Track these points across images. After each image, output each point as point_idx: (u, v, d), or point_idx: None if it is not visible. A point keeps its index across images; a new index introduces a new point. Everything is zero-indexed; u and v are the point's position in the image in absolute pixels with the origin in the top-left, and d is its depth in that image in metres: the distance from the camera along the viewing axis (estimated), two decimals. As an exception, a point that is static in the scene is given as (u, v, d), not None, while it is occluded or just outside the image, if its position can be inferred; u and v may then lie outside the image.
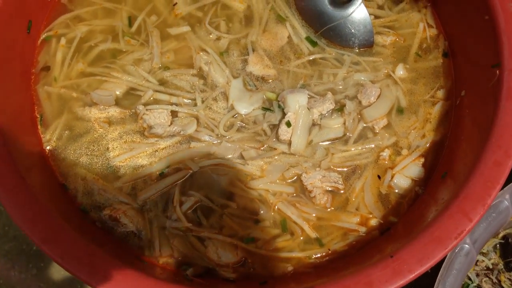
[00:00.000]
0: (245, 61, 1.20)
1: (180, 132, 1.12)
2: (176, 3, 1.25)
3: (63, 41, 1.20)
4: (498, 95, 0.99)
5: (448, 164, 1.08)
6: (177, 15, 1.24)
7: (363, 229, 1.07)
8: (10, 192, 0.92)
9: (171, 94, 1.16)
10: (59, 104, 1.15)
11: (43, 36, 1.20)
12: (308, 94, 1.15)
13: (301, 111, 1.12)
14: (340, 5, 1.21)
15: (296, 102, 1.13)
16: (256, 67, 1.19)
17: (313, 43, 1.22)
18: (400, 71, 1.20)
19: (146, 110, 1.13)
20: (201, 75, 1.19)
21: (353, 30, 1.21)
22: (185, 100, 1.16)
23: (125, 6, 1.24)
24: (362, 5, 1.19)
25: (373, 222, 1.08)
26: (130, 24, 1.23)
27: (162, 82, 1.18)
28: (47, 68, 1.18)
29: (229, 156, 1.11)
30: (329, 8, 1.22)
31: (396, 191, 1.10)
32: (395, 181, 1.10)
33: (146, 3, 1.25)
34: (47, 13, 1.22)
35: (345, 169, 1.12)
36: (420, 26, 1.24)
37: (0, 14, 1.06)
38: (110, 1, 1.25)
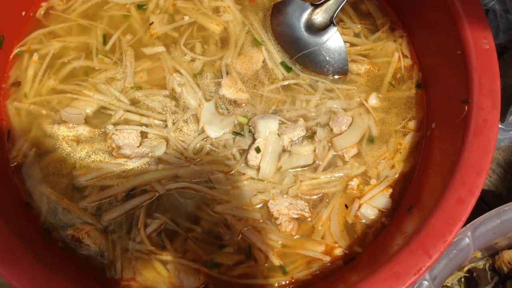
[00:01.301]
0: (219, 84, 1.20)
1: (148, 153, 1.12)
2: (153, 22, 1.24)
3: (35, 56, 1.19)
4: (465, 131, 1.00)
5: (415, 196, 1.08)
6: (153, 34, 1.24)
7: (327, 258, 1.06)
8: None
9: (142, 115, 1.16)
10: (28, 121, 1.14)
11: (15, 51, 1.20)
12: (280, 120, 1.15)
13: (271, 137, 1.12)
14: (316, 32, 1.22)
15: (267, 128, 1.13)
16: (229, 90, 1.19)
17: (288, 69, 1.22)
18: (373, 100, 1.20)
19: (116, 130, 1.12)
20: (174, 96, 1.18)
21: (327, 58, 1.21)
22: (156, 121, 1.16)
23: (101, 24, 1.24)
24: (338, 33, 1.20)
25: (338, 251, 1.07)
26: (105, 42, 1.22)
27: (133, 102, 1.17)
28: (17, 84, 1.17)
29: (197, 180, 1.11)
30: (304, 34, 1.22)
31: (363, 221, 1.10)
32: (362, 211, 1.10)
33: (122, 22, 1.25)
34: (21, 28, 1.22)
35: (313, 196, 1.12)
36: (395, 56, 1.25)
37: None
38: (85, 18, 1.25)
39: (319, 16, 1.21)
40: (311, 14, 1.22)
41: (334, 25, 1.20)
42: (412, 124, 1.19)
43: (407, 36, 1.27)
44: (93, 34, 1.23)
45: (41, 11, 1.24)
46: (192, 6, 1.27)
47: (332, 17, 1.20)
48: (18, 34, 1.21)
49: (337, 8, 1.19)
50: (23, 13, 1.21)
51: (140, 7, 1.26)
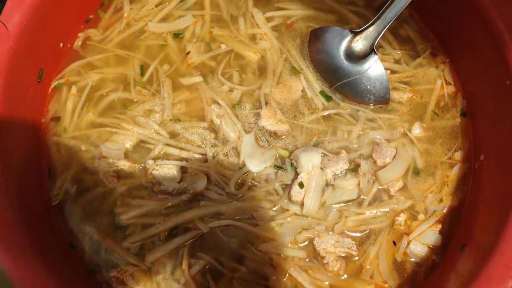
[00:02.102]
0: (258, 115, 1.17)
1: (189, 189, 1.10)
2: (189, 52, 1.22)
3: (74, 89, 1.18)
4: (520, 167, 0.96)
5: (466, 233, 1.05)
6: (190, 64, 1.22)
7: (376, 299, 1.04)
8: (14, 256, 0.90)
9: (181, 149, 1.14)
10: (68, 156, 1.13)
11: (54, 84, 1.18)
12: (322, 153, 1.12)
13: (315, 171, 1.09)
14: (356, 60, 1.19)
15: (310, 162, 1.10)
16: (269, 121, 1.17)
17: (328, 98, 1.20)
18: (417, 130, 1.17)
19: (156, 165, 1.10)
20: (213, 128, 1.16)
21: (369, 86, 1.18)
22: (196, 155, 1.14)
23: (138, 54, 1.22)
24: (379, 61, 1.17)
25: (388, 291, 1.04)
26: (142, 73, 1.20)
27: (172, 135, 1.15)
28: (57, 119, 1.16)
29: (240, 217, 1.09)
30: (345, 63, 1.19)
31: (412, 259, 1.07)
32: (411, 248, 1.07)
33: (159, 52, 1.23)
34: (59, 60, 1.20)
35: (359, 234, 1.09)
36: (438, 83, 1.21)
37: (11, 64, 1.03)
38: (122, 48, 1.23)
39: (359, 44, 1.18)
40: (350, 41, 1.19)
41: (375, 53, 1.16)
42: (458, 155, 1.15)
43: (449, 62, 1.24)
44: (130, 65, 1.22)
45: (78, 42, 1.23)
46: (229, 33, 1.25)
47: (373, 44, 1.16)
48: (56, 66, 1.20)
49: (378, 36, 1.16)
50: (61, 45, 1.20)
51: (176, 36, 1.24)
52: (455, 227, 1.09)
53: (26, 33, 1.05)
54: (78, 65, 1.21)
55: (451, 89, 1.22)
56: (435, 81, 1.22)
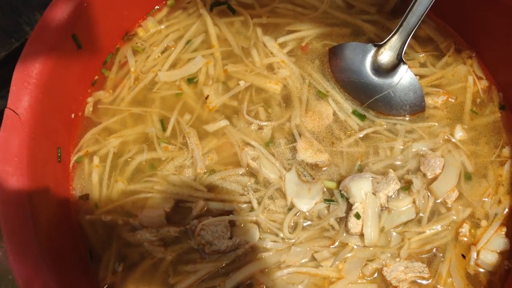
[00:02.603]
0: (294, 149, 1.11)
1: (243, 243, 1.03)
2: (208, 95, 1.15)
3: (96, 160, 1.10)
4: None
5: (535, 233, 1.01)
6: (211, 109, 1.15)
7: (459, 319, 1.00)
8: None
9: (223, 201, 1.07)
10: (106, 233, 1.06)
11: (73, 159, 1.10)
12: (371, 176, 1.07)
13: (369, 199, 1.04)
14: (385, 74, 1.13)
15: (361, 189, 1.05)
16: (307, 153, 1.11)
17: (362, 117, 1.14)
18: (459, 133, 1.13)
19: (202, 225, 1.04)
20: (251, 173, 1.10)
21: (402, 98, 1.13)
22: (240, 205, 1.07)
23: (154, 108, 1.15)
24: (409, 70, 1.12)
25: (468, 309, 1.00)
26: (164, 128, 1.13)
27: (211, 188, 1.09)
28: (85, 196, 1.08)
29: (301, 261, 1.03)
30: (374, 78, 1.14)
31: (484, 269, 1.03)
32: (482, 258, 1.03)
33: (176, 101, 1.16)
34: (73, 132, 1.12)
35: (426, 254, 1.04)
36: (470, 80, 1.17)
37: (30, 150, 0.95)
38: (137, 105, 1.15)
39: (385, 56, 1.13)
40: (375, 55, 1.13)
41: (404, 62, 1.11)
42: (506, 151, 1.11)
43: (476, 55, 1.19)
44: (149, 122, 1.14)
45: (89, 108, 1.15)
46: (244, 68, 1.18)
47: (399, 54, 1.11)
48: (72, 139, 1.12)
49: (404, 44, 1.11)
50: (73, 115, 1.12)
51: (190, 81, 1.17)
52: (522, 227, 1.05)
53: (37, 115, 0.98)
54: (94, 133, 1.13)
55: (484, 83, 1.17)
56: (466, 78, 1.17)
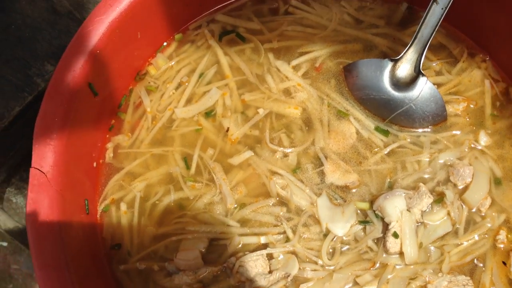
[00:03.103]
0: (322, 173, 1.10)
1: (283, 275, 1.02)
2: (228, 128, 1.14)
3: (123, 207, 1.08)
4: None
5: None
6: (234, 141, 1.13)
7: (509, 328, 0.99)
8: None
9: (258, 234, 1.06)
10: (143, 282, 1.03)
11: (100, 208, 1.08)
12: (403, 193, 1.06)
13: (404, 217, 1.03)
14: (405, 88, 1.13)
15: (395, 207, 1.04)
16: (335, 176, 1.10)
17: (385, 133, 1.13)
18: (483, 138, 1.12)
19: (239, 261, 1.02)
20: (282, 202, 1.08)
21: (424, 109, 1.12)
22: (276, 236, 1.06)
23: (176, 147, 1.13)
24: (429, 81, 1.11)
25: (517, 316, 1.00)
26: (188, 166, 1.11)
27: (243, 222, 1.07)
28: (117, 246, 1.05)
29: (345, 287, 1.02)
30: (394, 93, 1.13)
31: (527, 274, 1.03)
32: (522, 263, 1.03)
33: (196, 138, 1.14)
34: (97, 181, 1.10)
35: (466, 267, 1.03)
36: (487, 83, 1.17)
37: (60, 209, 0.93)
38: (157, 145, 1.13)
39: (403, 70, 1.12)
40: (393, 70, 1.13)
41: (422, 74, 1.11)
42: (533, 152, 1.11)
43: (490, 58, 1.19)
44: (172, 161, 1.12)
45: (109, 154, 1.12)
46: (261, 95, 1.17)
47: (417, 67, 1.11)
48: (97, 189, 1.09)
49: (421, 56, 1.10)
50: (94, 164, 1.09)
51: (208, 114, 1.15)
52: (559, 228, 1.05)
53: (62, 170, 0.95)
54: (117, 179, 1.10)
55: (501, 85, 1.17)
56: (483, 82, 1.17)
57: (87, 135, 1.06)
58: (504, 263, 1.04)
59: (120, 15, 1.03)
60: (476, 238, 1.06)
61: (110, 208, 1.08)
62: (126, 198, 1.09)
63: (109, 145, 1.13)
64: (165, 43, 1.22)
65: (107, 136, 1.14)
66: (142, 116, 1.16)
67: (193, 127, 1.14)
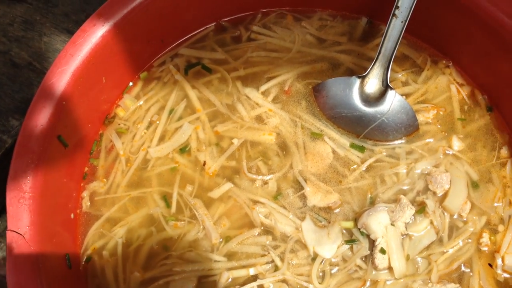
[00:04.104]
0: (304, 196, 1.10)
1: (277, 306, 1.01)
2: (205, 161, 1.13)
3: (106, 255, 1.05)
4: None
5: (553, 228, 1.04)
6: (211, 174, 1.12)
7: (502, 329, 1.01)
8: None
9: (246, 267, 1.05)
10: (135, 330, 1.01)
11: (83, 260, 1.05)
12: (385, 207, 1.07)
13: (389, 232, 1.04)
14: (375, 103, 1.14)
15: (379, 223, 1.04)
16: (317, 198, 1.10)
17: (361, 149, 1.14)
18: (456, 143, 1.14)
19: (231, 297, 1.01)
20: (267, 230, 1.08)
21: (396, 122, 1.13)
22: (264, 266, 1.05)
23: (153, 187, 1.11)
24: (397, 94, 1.12)
25: (508, 317, 1.02)
26: (168, 205, 1.10)
27: (230, 256, 1.06)
28: (104, 297, 1.03)
29: (338, 310, 1.02)
30: (365, 110, 1.14)
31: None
32: (507, 263, 1.04)
33: (173, 175, 1.12)
34: (77, 232, 1.07)
35: (454, 274, 1.05)
36: (452, 88, 1.19)
37: (38, 265, 0.90)
38: (134, 188, 1.11)
39: (371, 85, 1.13)
40: (361, 86, 1.14)
41: (391, 88, 1.12)
42: (504, 152, 1.14)
43: (452, 63, 1.22)
44: (151, 202, 1.10)
45: (86, 203, 1.10)
46: (234, 125, 1.16)
47: (385, 81, 1.12)
48: (77, 240, 1.07)
49: (387, 70, 1.11)
50: (72, 216, 1.07)
51: (183, 150, 1.14)
52: (538, 225, 1.08)
53: (39, 229, 0.92)
54: (97, 227, 1.08)
55: (466, 89, 1.20)
56: (449, 87, 1.20)
57: (61, 188, 1.04)
58: (490, 265, 1.05)
59: (82, 64, 1.01)
60: (461, 243, 1.07)
61: (93, 258, 1.06)
62: (108, 246, 1.07)
63: (85, 194, 1.10)
64: (131, 83, 1.20)
65: (82, 184, 1.11)
66: (116, 159, 1.14)
67: (169, 165, 1.13)
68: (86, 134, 1.11)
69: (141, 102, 1.19)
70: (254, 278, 1.04)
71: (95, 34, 1.03)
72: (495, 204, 1.10)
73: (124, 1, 1.06)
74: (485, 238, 1.07)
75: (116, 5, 1.05)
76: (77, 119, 1.05)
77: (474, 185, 1.11)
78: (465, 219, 1.08)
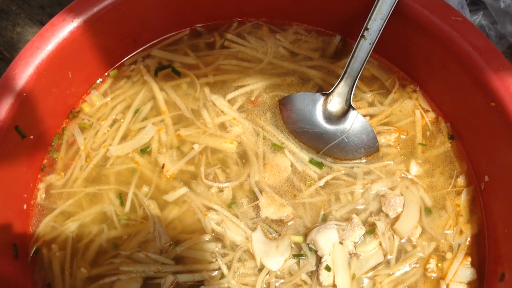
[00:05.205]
0: (257, 207, 1.11)
1: (218, 313, 1.02)
2: (164, 164, 1.13)
3: (54, 248, 1.06)
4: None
5: (498, 260, 1.04)
6: (169, 177, 1.13)
7: None
8: None
9: (192, 272, 1.05)
10: (75, 325, 1.02)
11: (31, 251, 1.06)
12: (335, 225, 1.08)
13: (336, 249, 1.05)
14: (337, 121, 1.15)
15: (328, 240, 1.05)
16: (270, 210, 1.11)
17: (319, 165, 1.15)
18: (414, 168, 1.15)
19: (174, 301, 1.02)
20: (217, 238, 1.09)
21: (356, 142, 1.14)
22: (210, 273, 1.06)
23: (110, 185, 1.12)
24: (359, 115, 1.13)
25: None
26: (122, 203, 1.10)
27: (178, 260, 1.07)
28: (48, 286, 1.04)
29: (279, 323, 1.02)
30: (326, 127, 1.15)
31: (456, 302, 1.05)
32: (451, 291, 1.05)
33: (132, 174, 1.13)
34: (28, 223, 1.08)
35: (398, 295, 1.06)
36: (417, 113, 1.20)
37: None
38: (91, 184, 1.12)
39: (335, 104, 1.14)
40: (325, 104, 1.15)
41: (353, 108, 1.13)
42: (461, 181, 1.14)
43: (420, 89, 1.23)
44: (106, 199, 1.11)
45: (41, 195, 1.10)
46: (197, 130, 1.17)
47: (348, 100, 1.13)
48: (28, 231, 1.07)
49: (351, 90, 1.12)
50: (25, 206, 1.08)
51: (143, 151, 1.15)
52: (485, 255, 1.08)
53: (-14, 217, 0.93)
54: (49, 220, 1.09)
55: (431, 115, 1.21)
56: (414, 112, 1.21)
57: (17, 177, 1.05)
58: (434, 292, 1.06)
59: (48, 57, 1.02)
60: (407, 267, 1.08)
61: (41, 250, 1.06)
62: (58, 240, 1.07)
63: (41, 186, 1.11)
64: (99, 80, 1.21)
65: (39, 176, 1.12)
66: (76, 154, 1.14)
67: (128, 164, 1.14)
68: (48, 126, 1.12)
69: (108, 99, 1.20)
70: (199, 284, 1.05)
71: (64, 29, 1.04)
72: (446, 231, 1.10)
73: (95, -2, 1.07)
74: (432, 264, 1.07)
75: (86, 2, 1.06)
76: (39, 111, 1.06)
77: (427, 210, 1.12)
78: (414, 243, 1.09)
